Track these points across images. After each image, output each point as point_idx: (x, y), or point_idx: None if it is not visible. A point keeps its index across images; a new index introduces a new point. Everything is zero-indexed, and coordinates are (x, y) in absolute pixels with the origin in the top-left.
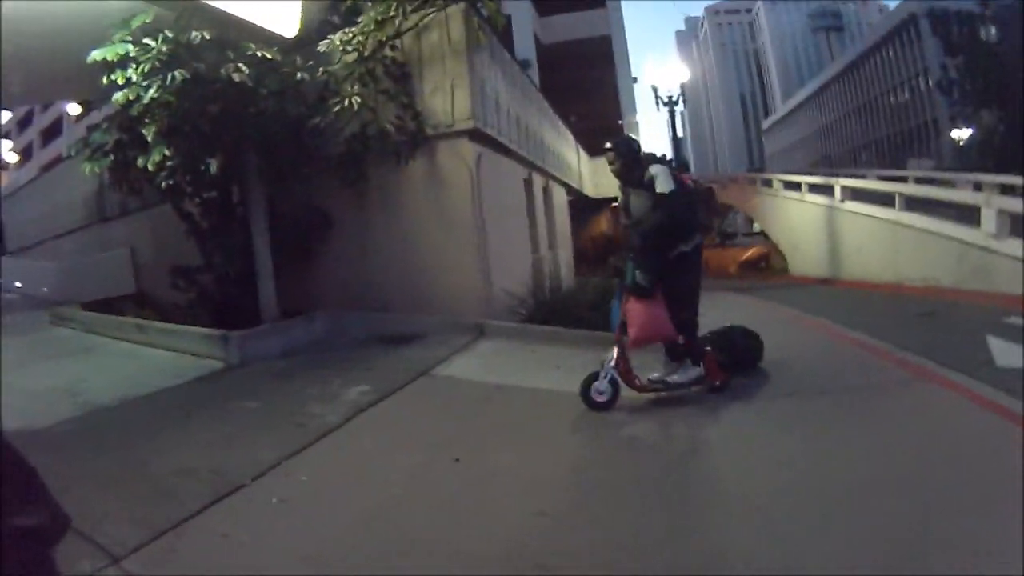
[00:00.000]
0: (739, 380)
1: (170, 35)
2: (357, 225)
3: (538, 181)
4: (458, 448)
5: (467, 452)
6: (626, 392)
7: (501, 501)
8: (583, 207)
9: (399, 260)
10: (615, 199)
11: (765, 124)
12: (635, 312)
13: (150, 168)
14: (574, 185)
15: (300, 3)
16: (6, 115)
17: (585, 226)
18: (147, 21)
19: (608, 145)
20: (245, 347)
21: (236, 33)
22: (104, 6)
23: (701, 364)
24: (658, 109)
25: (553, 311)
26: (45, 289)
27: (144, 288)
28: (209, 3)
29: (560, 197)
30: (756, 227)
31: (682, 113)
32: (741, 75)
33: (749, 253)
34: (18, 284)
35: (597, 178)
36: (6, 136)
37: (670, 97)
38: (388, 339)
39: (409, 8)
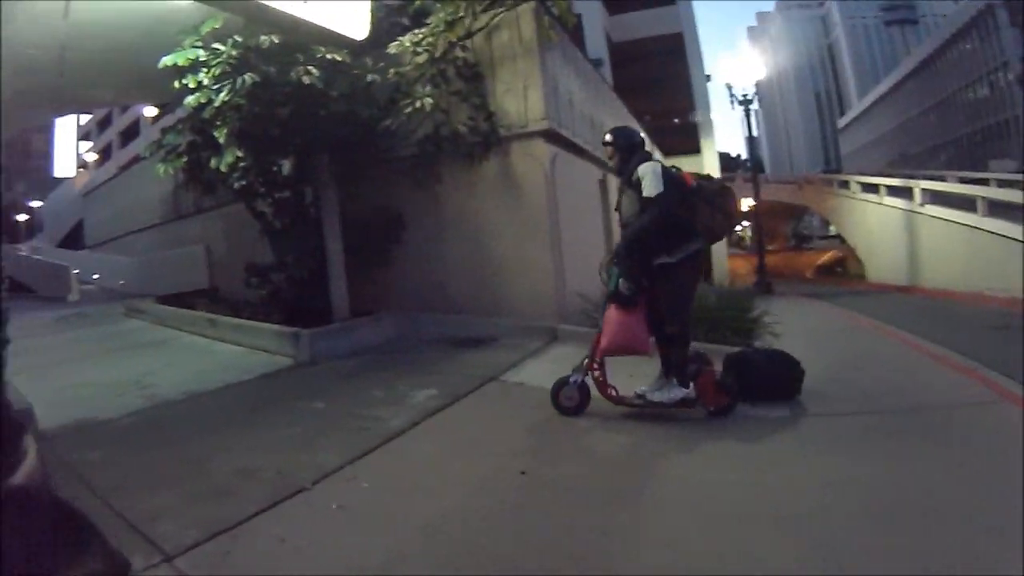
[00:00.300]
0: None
1: (239, 39)
2: (430, 226)
3: (613, 182)
4: (525, 459)
5: (534, 464)
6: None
7: (566, 518)
8: None
9: (472, 262)
10: None
11: (841, 122)
12: (609, 320)
13: (222, 169)
14: None
15: (369, 5)
16: (85, 117)
17: None
18: (216, 27)
19: (607, 137)
20: (315, 345)
21: (305, 36)
22: (175, 13)
23: (692, 385)
24: (732, 107)
25: None
26: (121, 282)
27: (217, 284)
28: (278, 7)
29: None
30: (832, 230)
31: (756, 111)
32: (815, 71)
33: (825, 257)
34: (95, 276)
35: None
36: (85, 137)
37: (745, 95)
38: (458, 342)
39: (479, 8)
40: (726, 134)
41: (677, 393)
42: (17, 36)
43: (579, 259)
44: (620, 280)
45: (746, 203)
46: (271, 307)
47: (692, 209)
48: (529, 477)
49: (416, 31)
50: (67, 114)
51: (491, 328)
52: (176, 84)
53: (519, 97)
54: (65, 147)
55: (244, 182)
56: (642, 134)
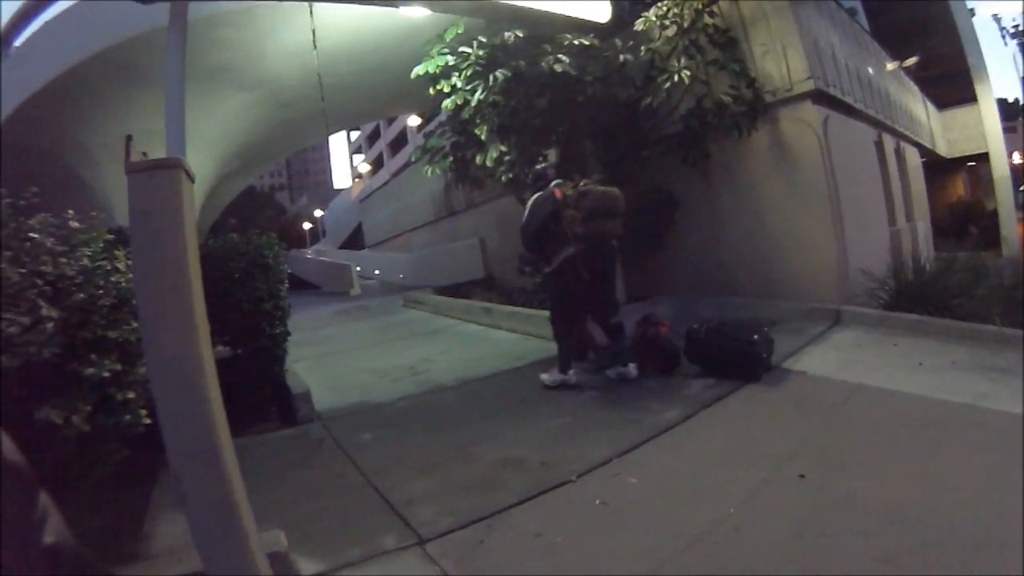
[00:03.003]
0: None
1: (484, 40)
2: (702, 205)
3: (889, 143)
4: (805, 461)
5: (815, 467)
6: None
7: (844, 538)
8: (936, 169)
9: (748, 239)
10: (972, 158)
11: None
12: None
13: (488, 164)
14: (926, 144)
15: None
16: (355, 133)
17: (940, 191)
18: (459, 32)
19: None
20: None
21: (548, 27)
22: (417, 26)
23: (570, 373)
24: (1005, 44)
25: (916, 296)
26: (400, 276)
27: (492, 274)
28: (515, 4)
29: (913, 159)
30: None
31: None
32: None
33: None
34: (376, 272)
35: (950, 134)
36: (358, 151)
37: (1016, 27)
38: None
39: None
40: (1005, 77)
41: (557, 378)
42: (275, 72)
43: (861, 232)
44: None
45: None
46: (545, 294)
47: (560, 219)
48: (808, 483)
49: (659, 4)
50: (336, 132)
51: (770, 311)
52: (431, 91)
53: (779, 58)
54: (340, 161)
55: (511, 175)
56: (547, 168)
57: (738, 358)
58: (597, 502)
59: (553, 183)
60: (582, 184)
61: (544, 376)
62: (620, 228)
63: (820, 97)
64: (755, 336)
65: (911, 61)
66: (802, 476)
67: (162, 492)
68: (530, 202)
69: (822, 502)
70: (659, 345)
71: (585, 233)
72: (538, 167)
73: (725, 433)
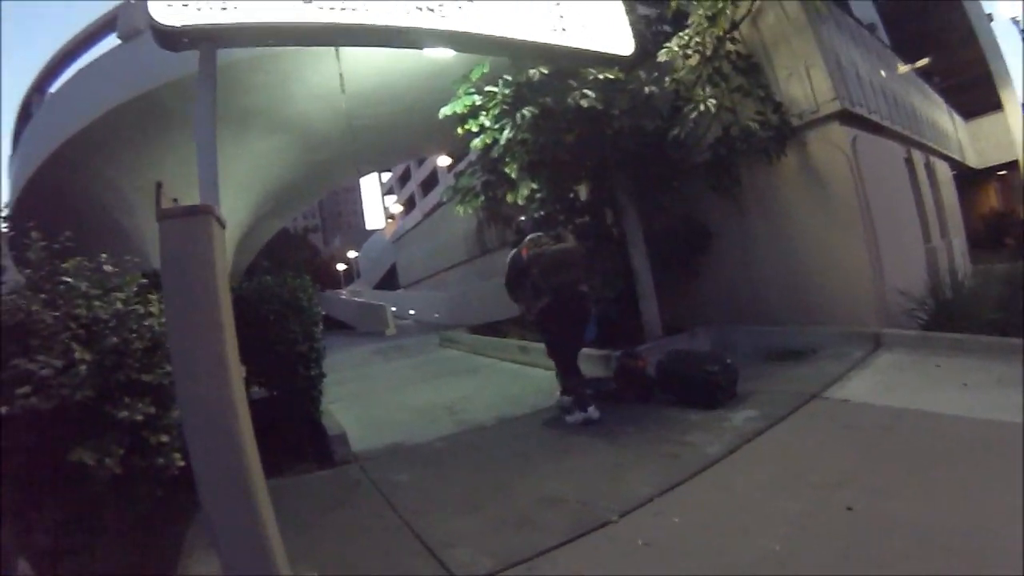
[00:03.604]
0: None
1: (509, 78)
2: (735, 233)
3: (919, 158)
4: (852, 492)
5: (863, 498)
6: None
7: (892, 568)
8: (967, 181)
9: (782, 265)
10: (1002, 167)
11: None
12: None
13: (519, 202)
14: (955, 156)
15: (627, 20)
16: (387, 175)
17: (972, 203)
18: (485, 71)
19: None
20: None
21: (572, 62)
22: (442, 68)
23: (590, 409)
24: None
25: (955, 313)
26: (436, 315)
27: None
28: (537, 41)
29: (944, 173)
30: None
31: None
32: None
33: None
34: (411, 312)
35: (979, 144)
36: (389, 192)
37: None
38: (777, 355)
39: None
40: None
41: (578, 416)
42: (304, 115)
43: (896, 252)
44: None
45: None
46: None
47: (528, 275)
48: (855, 514)
49: (680, 34)
50: (367, 173)
51: (809, 337)
52: (459, 130)
53: (803, 80)
54: (372, 202)
55: (543, 212)
56: (525, 221)
57: (700, 386)
58: (640, 542)
59: (528, 237)
60: (540, 244)
61: (567, 417)
62: (580, 277)
63: (847, 117)
64: (716, 367)
65: (923, 62)
66: (849, 509)
67: (196, 532)
68: (507, 259)
69: (869, 532)
70: (637, 376)
71: (549, 287)
72: (520, 220)
73: (768, 466)
